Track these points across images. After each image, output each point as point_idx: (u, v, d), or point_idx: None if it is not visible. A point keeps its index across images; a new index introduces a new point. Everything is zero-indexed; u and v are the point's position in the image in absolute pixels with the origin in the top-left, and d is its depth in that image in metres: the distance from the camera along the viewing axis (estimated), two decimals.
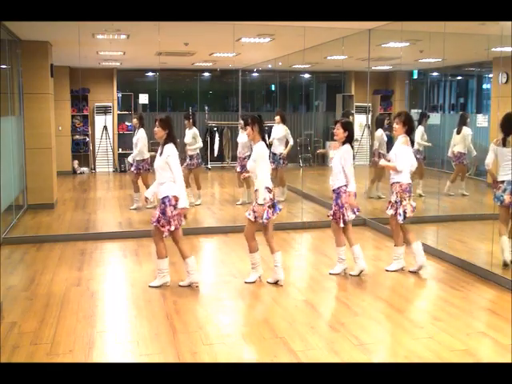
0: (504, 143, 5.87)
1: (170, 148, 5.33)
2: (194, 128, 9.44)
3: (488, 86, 11.91)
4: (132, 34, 8.60)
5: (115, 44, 9.51)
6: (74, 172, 13.76)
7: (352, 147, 5.73)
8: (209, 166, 14.10)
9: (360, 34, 8.29)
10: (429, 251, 6.60)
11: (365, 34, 8.26)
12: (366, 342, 4.17)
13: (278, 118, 9.75)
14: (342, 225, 5.67)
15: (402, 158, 5.74)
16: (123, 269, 6.13)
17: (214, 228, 8.02)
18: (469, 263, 5.99)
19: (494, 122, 9.00)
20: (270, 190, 5.36)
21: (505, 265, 5.84)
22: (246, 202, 9.35)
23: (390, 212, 5.82)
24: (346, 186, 5.64)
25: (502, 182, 5.87)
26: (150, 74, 14.95)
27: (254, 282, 5.52)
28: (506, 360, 3.87)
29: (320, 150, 12.34)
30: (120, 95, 14.55)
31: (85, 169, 13.95)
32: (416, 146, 9.70)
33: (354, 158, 5.77)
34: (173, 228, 5.24)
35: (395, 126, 5.87)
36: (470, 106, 13.75)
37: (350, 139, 5.68)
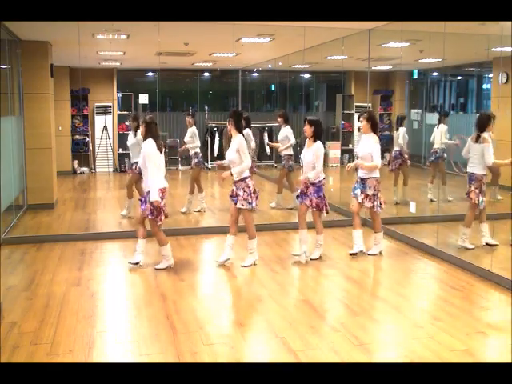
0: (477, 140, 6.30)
1: (147, 144, 5.74)
2: (194, 127, 8.94)
3: (488, 86, 11.90)
4: (132, 34, 8.60)
5: (115, 44, 9.51)
6: (74, 172, 13.77)
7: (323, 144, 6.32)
8: (209, 165, 14.10)
9: (360, 33, 8.29)
10: (429, 251, 6.61)
11: (365, 33, 8.26)
12: (366, 342, 4.17)
13: (280, 119, 9.15)
14: (325, 214, 6.22)
15: (379, 155, 6.23)
16: (123, 269, 6.12)
17: (213, 228, 8.00)
18: (469, 263, 5.99)
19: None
20: (250, 178, 6.04)
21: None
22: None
23: (369, 204, 6.31)
24: (324, 179, 6.18)
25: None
26: (150, 74, 14.95)
27: (250, 266, 6.01)
28: (506, 360, 3.87)
29: None
30: (120, 95, 14.55)
31: (85, 169, 13.96)
32: (439, 146, 9.47)
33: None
34: (163, 217, 5.80)
35: (360, 124, 6.42)
36: (470, 105, 13.73)
37: (318, 135, 6.16)
